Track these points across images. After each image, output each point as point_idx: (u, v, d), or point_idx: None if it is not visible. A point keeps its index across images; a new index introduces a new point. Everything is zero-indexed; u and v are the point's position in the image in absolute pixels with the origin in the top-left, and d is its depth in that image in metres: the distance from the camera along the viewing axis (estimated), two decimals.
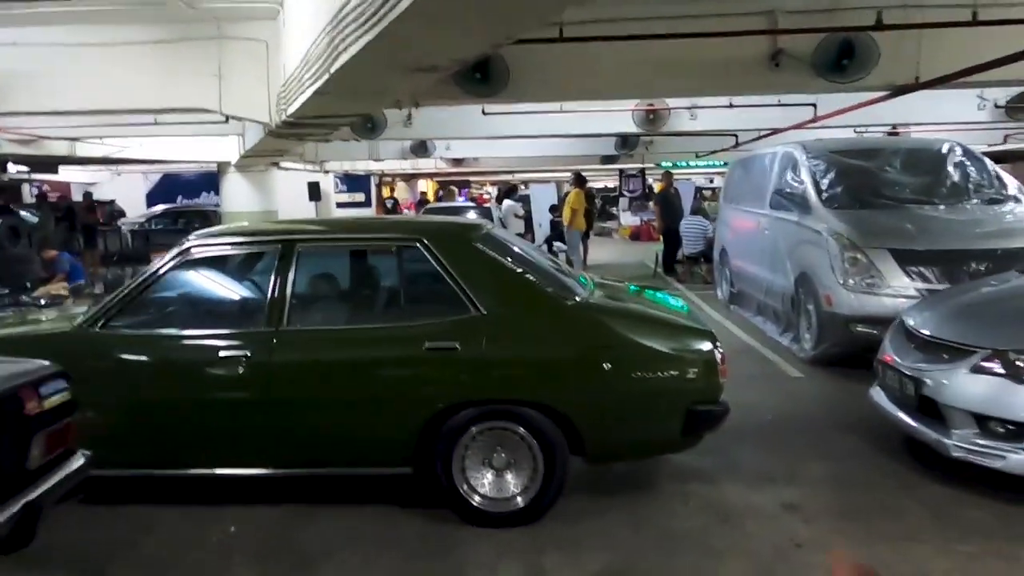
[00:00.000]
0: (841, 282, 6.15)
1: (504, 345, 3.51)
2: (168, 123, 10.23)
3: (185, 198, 25.04)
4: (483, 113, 9.53)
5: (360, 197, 23.11)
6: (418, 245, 3.64)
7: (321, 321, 3.85)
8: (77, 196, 21.61)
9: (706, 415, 3.51)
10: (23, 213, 15.26)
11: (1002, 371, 3.70)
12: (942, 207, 6.44)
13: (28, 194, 22.22)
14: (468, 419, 3.47)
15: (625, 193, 25.18)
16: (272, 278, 3.62)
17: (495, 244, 3.90)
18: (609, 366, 3.44)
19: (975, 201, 6.56)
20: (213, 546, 3.47)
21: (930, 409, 4.02)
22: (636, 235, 22.51)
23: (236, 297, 4.06)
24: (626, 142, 14.68)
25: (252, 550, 3.43)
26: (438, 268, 3.58)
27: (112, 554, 3.40)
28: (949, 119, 10.94)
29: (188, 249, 3.71)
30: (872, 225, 6.31)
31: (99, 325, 3.61)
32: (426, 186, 32.00)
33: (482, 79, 6.57)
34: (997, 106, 10.29)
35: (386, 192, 27.12)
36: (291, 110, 6.23)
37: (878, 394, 4.60)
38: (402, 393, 3.51)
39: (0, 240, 11.39)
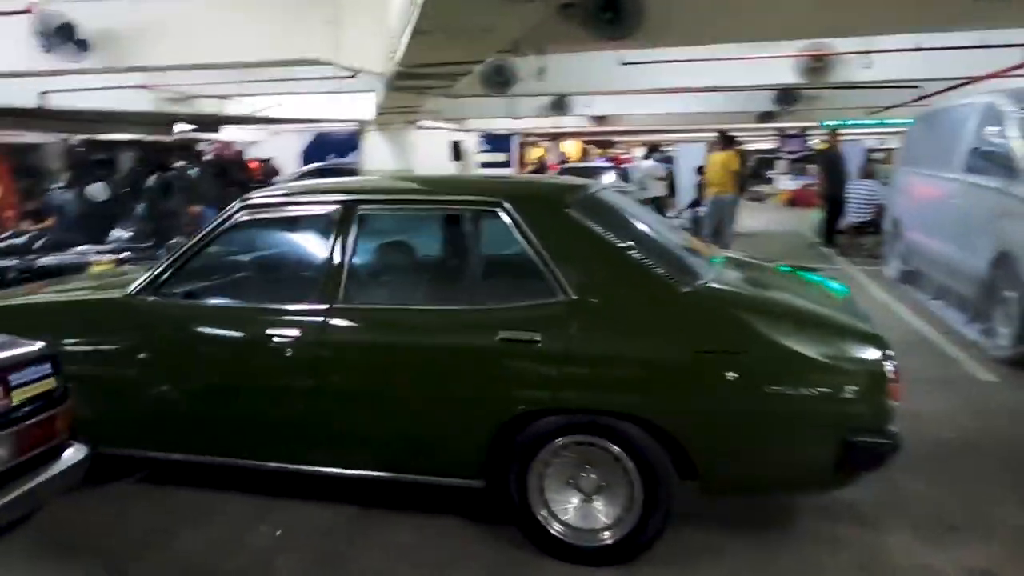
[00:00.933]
0: None
1: (597, 340, 2.75)
2: (306, 78, 10.08)
3: (337, 156, 25.72)
4: (622, 64, 8.58)
5: (502, 157, 22.67)
6: (498, 210, 2.95)
7: (380, 298, 3.26)
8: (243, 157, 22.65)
9: (867, 450, 2.61)
10: (185, 169, 16.07)
11: None
12: None
13: (197, 153, 23.67)
14: (549, 429, 2.78)
15: (783, 154, 23.15)
16: (329, 245, 3.07)
17: (599, 210, 3.14)
18: (734, 375, 2.61)
19: None
20: (253, 551, 3.03)
21: None
22: (793, 201, 20.62)
23: (289, 266, 3.57)
24: (786, 97, 13.10)
25: (295, 563, 2.96)
26: (520, 238, 2.87)
27: (144, 547, 3.05)
28: None
29: (239, 210, 3.22)
30: None
31: (147, 293, 3.23)
32: (572, 146, 31.09)
33: (612, 19, 5.70)
34: None
35: (536, 153, 26.52)
36: (398, 57, 5.70)
37: None
38: (468, 391, 2.87)
39: (152, 195, 11.87)
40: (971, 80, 9.25)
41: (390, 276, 3.47)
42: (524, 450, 2.80)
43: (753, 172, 26.39)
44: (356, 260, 3.08)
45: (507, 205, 2.94)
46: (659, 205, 11.57)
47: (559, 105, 13.31)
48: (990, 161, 5.83)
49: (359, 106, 13.18)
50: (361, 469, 3.10)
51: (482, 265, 3.29)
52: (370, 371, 2.99)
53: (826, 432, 2.59)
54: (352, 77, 8.60)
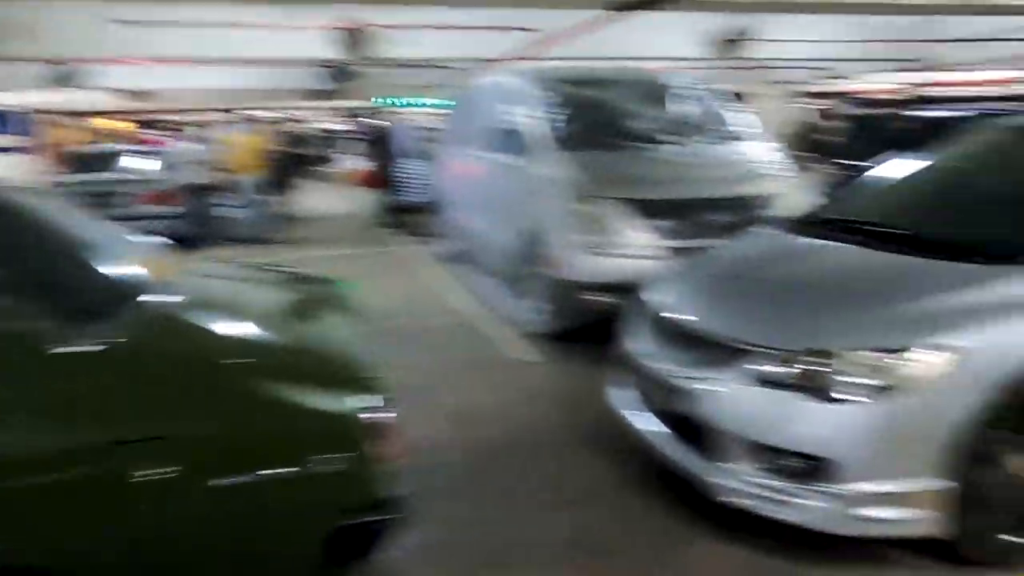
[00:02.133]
0: (572, 241, 4.99)
1: None
2: None
3: None
4: (112, 22, 7.03)
5: (11, 140, 18.39)
6: None
7: None
8: None
9: (359, 534, 1.96)
10: None
11: (791, 381, 2.62)
12: (676, 148, 5.51)
13: None
14: None
15: (347, 134, 23.05)
16: None
17: None
18: (154, 473, 1.72)
19: (707, 141, 5.73)
20: None
21: (691, 431, 2.90)
22: (360, 181, 20.57)
23: None
24: (341, 73, 12.66)
25: None
26: None
27: None
28: (670, 54, 10.52)
29: None
30: (606, 171, 5.21)
31: None
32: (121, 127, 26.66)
33: None
34: (722, 41, 9.97)
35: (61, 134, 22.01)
36: None
37: (620, 398, 3.44)
38: None
39: None
40: (500, 60, 9.76)
41: None
42: None
43: (318, 154, 25.89)
44: None
45: None
46: (201, 192, 10.17)
47: (64, 76, 10.92)
48: (513, 139, 5.90)
49: None
50: None
51: None
52: None
53: (298, 526, 1.88)
54: None
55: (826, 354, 2.57)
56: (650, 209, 4.93)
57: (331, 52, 9.08)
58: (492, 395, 4.47)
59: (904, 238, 3.06)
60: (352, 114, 21.98)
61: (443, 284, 7.53)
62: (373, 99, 18.93)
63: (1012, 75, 15.59)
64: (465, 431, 3.92)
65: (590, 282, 4.92)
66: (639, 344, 3.38)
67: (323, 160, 26.01)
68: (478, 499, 3.24)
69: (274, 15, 8.26)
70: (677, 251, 4.79)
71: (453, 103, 9.33)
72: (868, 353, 2.50)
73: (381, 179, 11.47)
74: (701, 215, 4.93)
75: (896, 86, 18.12)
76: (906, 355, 2.45)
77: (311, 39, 8.95)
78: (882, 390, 2.46)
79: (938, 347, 2.44)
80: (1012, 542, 2.60)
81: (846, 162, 9.39)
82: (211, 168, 10.15)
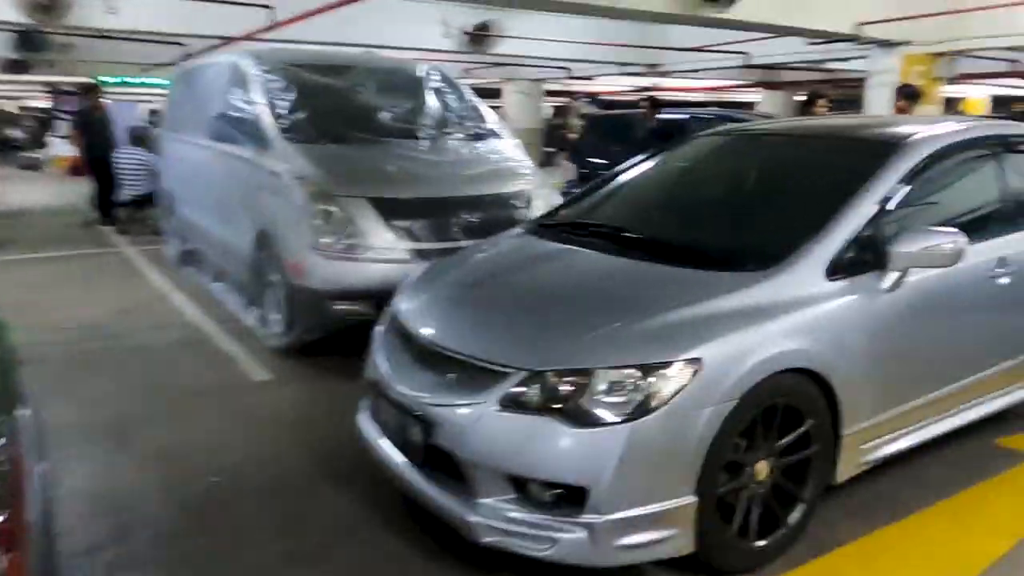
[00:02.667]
0: (311, 244, 4.47)
1: None
2: None
3: None
4: None
5: None
6: None
7: None
8: None
9: None
10: None
11: (540, 404, 2.39)
12: (425, 143, 5.18)
13: None
14: None
15: (60, 114, 20.00)
16: None
17: None
18: None
19: (459, 136, 5.47)
20: None
21: (440, 463, 2.58)
22: (76, 169, 17.97)
23: None
24: (31, 41, 10.70)
25: None
26: None
27: None
28: (415, 45, 10.22)
29: None
30: (347, 166, 4.74)
31: None
32: None
33: None
34: (466, 34, 9.84)
35: None
36: None
37: (371, 427, 3.04)
38: None
39: None
40: (227, 40, 8.78)
41: None
42: None
43: (21, 136, 22.37)
44: None
45: None
46: None
47: None
48: (239, 128, 5.20)
49: None
50: None
51: None
52: None
53: None
54: None
55: (578, 373, 2.37)
56: (396, 209, 4.55)
57: (15, 15, 7.52)
58: (216, 425, 3.83)
59: (644, 243, 3.00)
60: (56, 91, 19.07)
61: (167, 292, 6.56)
62: (90, 77, 16.48)
63: (724, 84, 17.58)
64: (175, 476, 3.27)
65: (332, 289, 4.44)
66: (382, 362, 3.00)
67: (31, 144, 22.46)
68: (185, 566, 2.66)
69: None
70: (427, 254, 4.48)
71: (170, 84, 8.19)
72: (623, 371, 2.34)
73: (97, 168, 9.90)
74: (452, 215, 4.65)
75: (626, 89, 19.61)
76: (660, 371, 2.32)
77: None
78: (635, 409, 2.32)
79: (686, 360, 2.35)
80: (758, 546, 2.61)
81: (587, 159, 9.80)
82: None
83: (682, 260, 2.75)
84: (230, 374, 4.59)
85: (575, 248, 3.11)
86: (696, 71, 13.31)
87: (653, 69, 13.02)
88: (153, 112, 17.11)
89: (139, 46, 11.97)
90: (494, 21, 10.44)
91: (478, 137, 5.54)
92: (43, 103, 25.23)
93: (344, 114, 5.21)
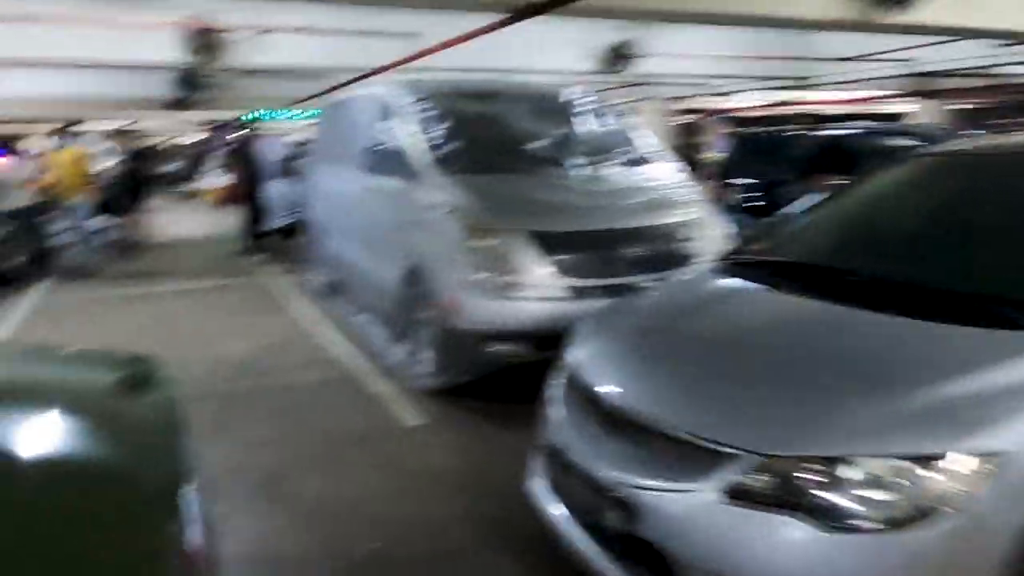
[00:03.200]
0: (466, 281, 4.20)
1: None
2: None
3: None
4: None
5: None
6: None
7: None
8: None
9: None
10: None
11: (779, 496, 1.93)
12: (582, 172, 4.84)
13: None
14: None
15: (212, 148, 21.33)
16: None
17: None
18: None
19: (615, 162, 5.09)
20: None
21: (638, 555, 2.17)
22: (225, 200, 18.98)
23: None
24: (192, 81, 11.30)
25: None
26: None
27: None
28: (552, 68, 9.99)
29: None
30: (504, 198, 4.46)
31: None
32: None
33: None
34: (610, 54, 9.53)
35: None
36: None
37: (549, 499, 2.66)
38: None
39: None
40: (375, 72, 8.85)
41: None
42: None
43: (177, 170, 23.98)
44: None
45: None
46: (31, 216, 8.67)
47: None
48: (389, 160, 5.05)
49: None
50: None
51: None
52: None
53: None
54: None
55: (826, 461, 1.90)
56: (556, 243, 4.22)
57: (178, 56, 7.86)
58: (371, 477, 3.60)
59: (884, 290, 2.47)
60: (213, 127, 20.33)
61: (313, 326, 6.54)
62: (239, 113, 17.49)
63: (871, 95, 16.25)
64: (335, 539, 3.03)
65: (488, 330, 4.15)
66: (562, 425, 2.63)
67: (183, 178, 24.10)
68: None
69: (109, 10, 7.03)
70: (589, 292, 4.12)
71: (319, 116, 8.31)
72: (890, 461, 1.85)
73: (246, 199, 10.28)
74: (616, 249, 4.28)
75: (758, 104, 18.62)
76: (941, 464, 1.81)
77: (157, 42, 7.72)
78: (904, 513, 1.82)
79: (977, 451, 1.82)
80: None
81: (736, 182, 9.13)
82: (32, 189, 8.68)
83: (945, 313, 2.21)
84: (381, 417, 4.39)
85: (792, 295, 2.62)
86: (851, 82, 12.34)
87: (802, 82, 12.18)
88: (299, 144, 17.87)
89: (285, 81, 12.45)
90: (633, 40, 10.05)
91: (636, 163, 5.15)
92: (193, 139, 27.03)
93: (496, 143, 4.95)
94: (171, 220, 16.37)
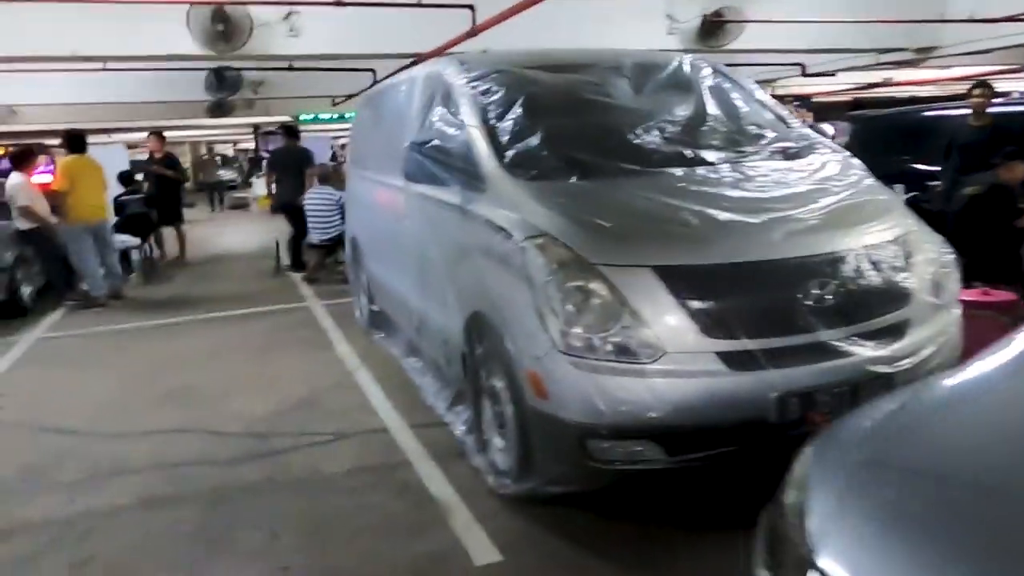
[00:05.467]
0: (560, 344, 2.72)
1: None
2: None
3: None
4: None
5: None
6: None
7: None
8: None
9: None
10: None
11: None
12: (724, 170, 3.29)
13: None
14: None
15: (264, 153, 20.43)
16: None
17: None
18: None
19: (766, 156, 3.53)
20: None
21: None
22: (273, 212, 17.96)
23: None
24: (220, 80, 10.15)
25: None
26: None
27: None
28: (632, 44, 8.41)
29: None
30: (613, 215, 2.95)
31: None
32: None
33: None
34: (703, 22, 7.91)
35: None
36: None
37: None
38: None
39: None
40: (423, 56, 7.43)
41: None
42: None
43: (219, 180, 23.28)
44: None
45: None
46: (45, 237, 7.59)
47: None
48: (443, 163, 3.60)
49: None
50: None
51: None
52: None
53: None
54: None
55: None
56: (700, 283, 2.71)
57: (199, 48, 6.62)
58: None
59: None
60: (258, 132, 19.40)
61: (353, 370, 5.21)
62: (285, 117, 16.45)
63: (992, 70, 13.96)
64: None
65: (591, 422, 2.67)
66: None
67: (236, 185, 23.38)
68: None
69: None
70: (756, 359, 2.62)
71: (357, 111, 6.90)
72: None
73: (292, 211, 9.05)
74: (794, 289, 2.74)
75: (844, 87, 16.42)
76: None
77: (173, 30, 6.50)
78: None
79: None
80: None
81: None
82: (48, 207, 7.60)
83: None
84: (439, 545, 2.95)
85: None
86: (986, 51, 10.35)
87: (924, 54, 10.26)
88: (343, 147, 16.66)
89: (330, 77, 11.20)
90: (730, 8, 8.40)
91: (795, 154, 3.58)
92: (239, 145, 26.35)
93: (593, 134, 3.46)
94: (222, 231, 15.44)
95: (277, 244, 9.71)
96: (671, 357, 2.65)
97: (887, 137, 7.50)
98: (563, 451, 2.81)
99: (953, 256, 3.16)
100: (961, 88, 16.12)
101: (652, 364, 2.64)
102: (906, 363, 2.82)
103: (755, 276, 2.74)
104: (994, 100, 6.36)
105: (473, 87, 3.70)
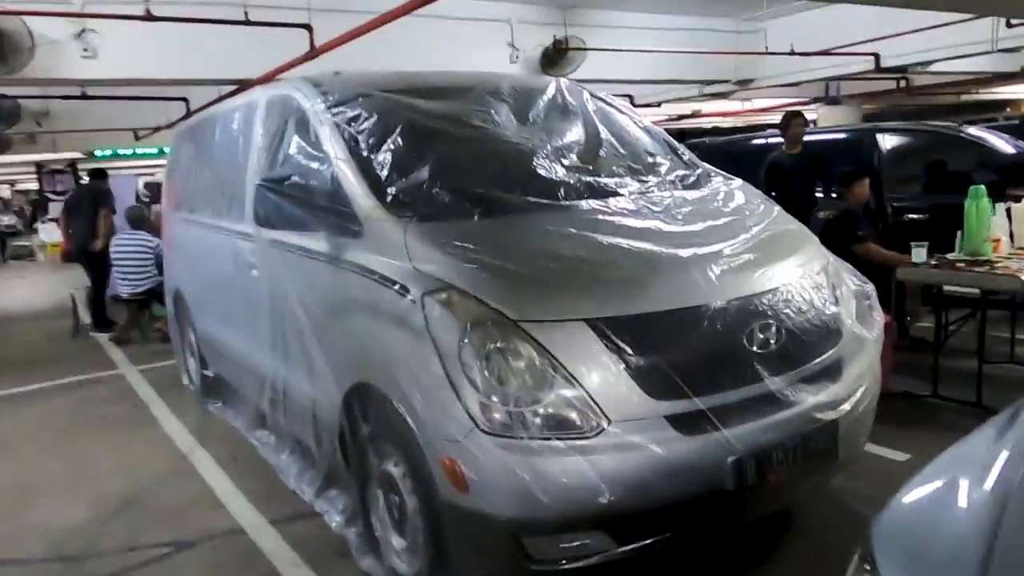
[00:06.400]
0: (482, 420, 2.20)
1: None
2: None
3: None
4: None
5: None
6: None
7: None
8: None
9: None
10: None
11: None
12: (637, 200, 2.93)
13: None
14: None
15: (51, 195, 18.05)
16: None
17: None
18: None
19: (669, 185, 3.22)
20: None
21: None
22: (70, 260, 15.84)
23: None
24: (4, 111, 8.67)
25: None
26: None
27: None
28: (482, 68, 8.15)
29: None
30: (528, 259, 2.49)
31: None
32: None
33: None
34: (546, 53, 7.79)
35: None
36: None
37: None
38: None
39: None
40: (245, 84, 6.64)
41: None
42: None
43: (26, 221, 20.61)
44: None
45: None
46: None
47: None
48: (305, 205, 2.97)
49: None
50: None
51: None
52: None
53: None
54: None
55: None
56: (639, 336, 2.31)
57: None
58: None
59: None
60: (41, 170, 17.12)
61: (187, 453, 4.33)
62: (79, 152, 14.63)
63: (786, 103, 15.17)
64: None
65: (539, 516, 2.17)
66: None
67: (7, 233, 20.62)
68: None
69: None
70: (703, 421, 2.26)
71: (172, 145, 5.91)
72: None
73: (93, 259, 7.77)
74: (737, 334, 2.42)
75: (661, 118, 17.38)
76: None
77: None
78: None
79: None
80: None
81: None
82: None
83: None
84: None
85: None
86: (794, 84, 11.18)
87: (744, 87, 10.90)
88: (147, 186, 14.94)
89: (133, 107, 9.96)
90: (572, 37, 8.38)
91: (694, 184, 3.32)
92: (35, 185, 23.42)
93: (489, 165, 2.99)
94: (5, 286, 13.32)
95: (74, 299, 8.33)
96: (616, 427, 2.22)
97: (720, 166, 7.73)
98: (492, 553, 2.28)
99: (872, 285, 3.02)
100: (761, 119, 17.55)
101: (595, 438, 2.20)
102: (846, 406, 2.60)
103: (698, 322, 2.39)
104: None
105: (335, 113, 3.11)
